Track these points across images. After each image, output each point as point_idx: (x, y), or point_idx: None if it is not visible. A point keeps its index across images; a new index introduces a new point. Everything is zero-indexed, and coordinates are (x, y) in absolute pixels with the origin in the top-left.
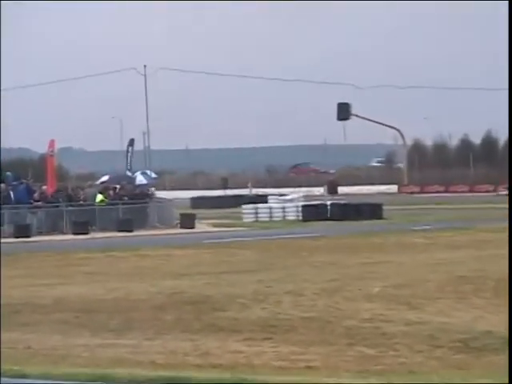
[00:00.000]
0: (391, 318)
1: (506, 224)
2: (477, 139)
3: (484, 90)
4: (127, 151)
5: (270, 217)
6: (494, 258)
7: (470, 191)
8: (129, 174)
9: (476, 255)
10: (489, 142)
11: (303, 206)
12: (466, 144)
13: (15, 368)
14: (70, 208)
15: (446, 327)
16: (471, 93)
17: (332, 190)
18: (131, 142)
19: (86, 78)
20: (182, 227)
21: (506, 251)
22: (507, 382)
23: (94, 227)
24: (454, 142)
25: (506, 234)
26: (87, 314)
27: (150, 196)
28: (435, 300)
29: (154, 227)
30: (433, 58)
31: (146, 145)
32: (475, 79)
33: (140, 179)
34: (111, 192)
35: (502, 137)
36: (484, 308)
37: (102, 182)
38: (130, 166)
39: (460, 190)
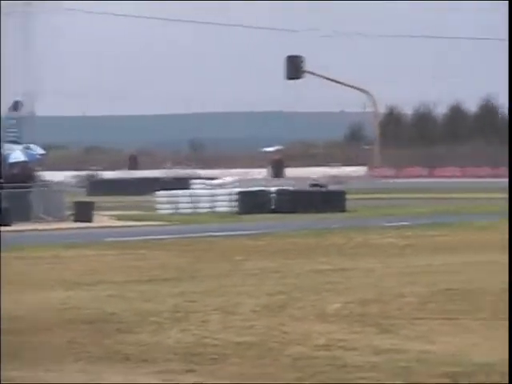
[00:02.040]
0: (354, 344)
1: (506, 220)
2: (471, 107)
3: (480, 41)
4: (9, 118)
5: (194, 208)
6: (493, 265)
7: (462, 175)
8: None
9: (468, 261)
10: (487, 110)
11: (239, 194)
12: (456, 113)
13: None
14: None
15: (428, 357)
16: (465, 44)
17: (278, 173)
18: (15, 106)
19: None
20: (76, 220)
21: (507, 256)
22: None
23: None
24: (441, 110)
25: (505, 233)
26: None
27: (34, 178)
28: (413, 321)
29: (39, 220)
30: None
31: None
32: (468, 28)
33: (16, 156)
34: None
35: (505, 103)
36: (479, 332)
37: None
38: (16, 137)
39: (448, 173)
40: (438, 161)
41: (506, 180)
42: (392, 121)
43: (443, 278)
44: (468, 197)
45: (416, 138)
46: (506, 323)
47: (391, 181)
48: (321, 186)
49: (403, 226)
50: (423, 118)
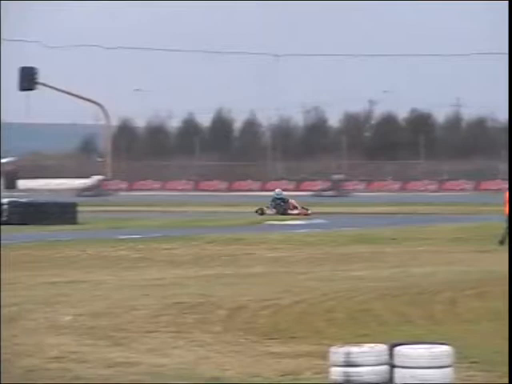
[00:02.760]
0: (86, 356)
1: (240, 233)
2: (205, 120)
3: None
4: None
5: None
6: (225, 278)
7: (196, 189)
8: None
9: (201, 275)
10: (221, 123)
11: None
12: (190, 126)
13: None
14: None
15: (160, 371)
16: (193, 56)
17: (10, 184)
18: None
19: None
20: None
21: (235, 270)
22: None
23: None
24: (175, 123)
25: (238, 246)
26: None
27: None
28: (146, 334)
29: None
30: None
31: None
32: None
33: None
34: None
35: (239, 117)
36: (211, 346)
37: None
38: None
39: (181, 187)
40: (170, 174)
41: (244, 193)
42: (125, 133)
43: (176, 292)
44: (201, 210)
45: (149, 150)
46: (236, 336)
47: (124, 193)
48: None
49: (136, 239)
50: (156, 131)
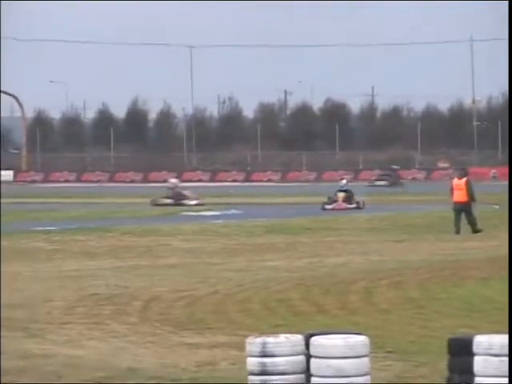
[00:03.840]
0: (3, 348)
1: (155, 224)
2: (120, 111)
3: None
4: None
5: None
6: (141, 269)
7: (112, 180)
8: None
9: (117, 266)
10: (136, 114)
11: None
12: (105, 117)
13: None
14: None
15: (77, 362)
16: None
17: None
18: None
19: None
20: None
21: (151, 261)
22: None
23: None
24: (90, 114)
25: (154, 237)
26: None
27: None
28: (62, 325)
29: None
30: None
31: None
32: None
33: None
34: None
35: (154, 108)
36: (127, 337)
37: None
38: None
39: (96, 178)
40: (85, 165)
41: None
42: (40, 125)
43: (91, 283)
44: (117, 201)
45: (64, 142)
46: (153, 328)
47: (39, 185)
48: None
49: (51, 231)
50: (71, 122)
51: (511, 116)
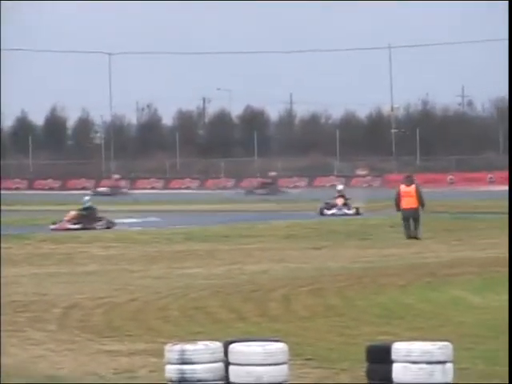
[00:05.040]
0: None
1: (74, 231)
2: (38, 119)
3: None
4: None
5: None
6: (59, 277)
7: (31, 187)
8: None
9: (35, 273)
10: (54, 121)
11: None
12: (24, 125)
13: None
14: None
15: None
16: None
17: None
18: None
19: None
20: None
21: (70, 268)
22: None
23: None
24: (8, 122)
25: (73, 244)
26: None
27: None
28: None
29: None
30: None
31: None
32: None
33: None
34: None
35: (72, 115)
36: (45, 344)
37: None
38: None
39: (15, 186)
40: (3, 173)
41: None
42: None
43: (9, 290)
44: (35, 209)
45: None
46: (72, 336)
47: None
48: None
49: None
50: None
51: (511, 116)
